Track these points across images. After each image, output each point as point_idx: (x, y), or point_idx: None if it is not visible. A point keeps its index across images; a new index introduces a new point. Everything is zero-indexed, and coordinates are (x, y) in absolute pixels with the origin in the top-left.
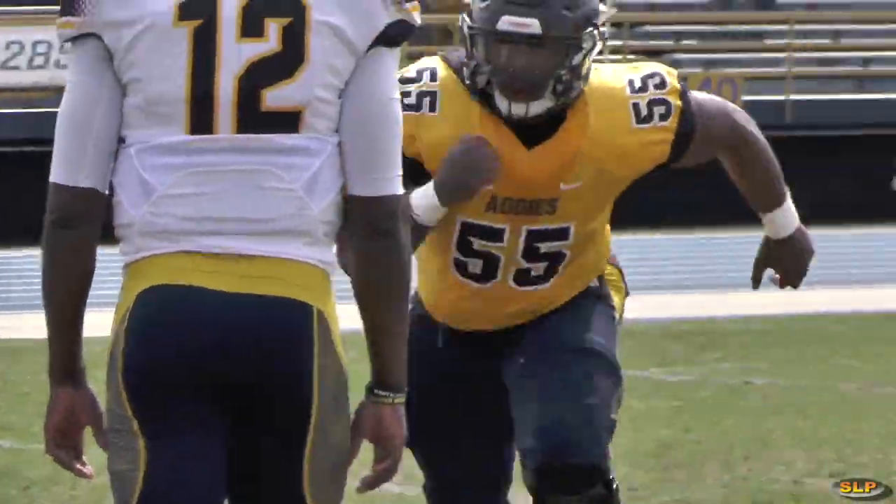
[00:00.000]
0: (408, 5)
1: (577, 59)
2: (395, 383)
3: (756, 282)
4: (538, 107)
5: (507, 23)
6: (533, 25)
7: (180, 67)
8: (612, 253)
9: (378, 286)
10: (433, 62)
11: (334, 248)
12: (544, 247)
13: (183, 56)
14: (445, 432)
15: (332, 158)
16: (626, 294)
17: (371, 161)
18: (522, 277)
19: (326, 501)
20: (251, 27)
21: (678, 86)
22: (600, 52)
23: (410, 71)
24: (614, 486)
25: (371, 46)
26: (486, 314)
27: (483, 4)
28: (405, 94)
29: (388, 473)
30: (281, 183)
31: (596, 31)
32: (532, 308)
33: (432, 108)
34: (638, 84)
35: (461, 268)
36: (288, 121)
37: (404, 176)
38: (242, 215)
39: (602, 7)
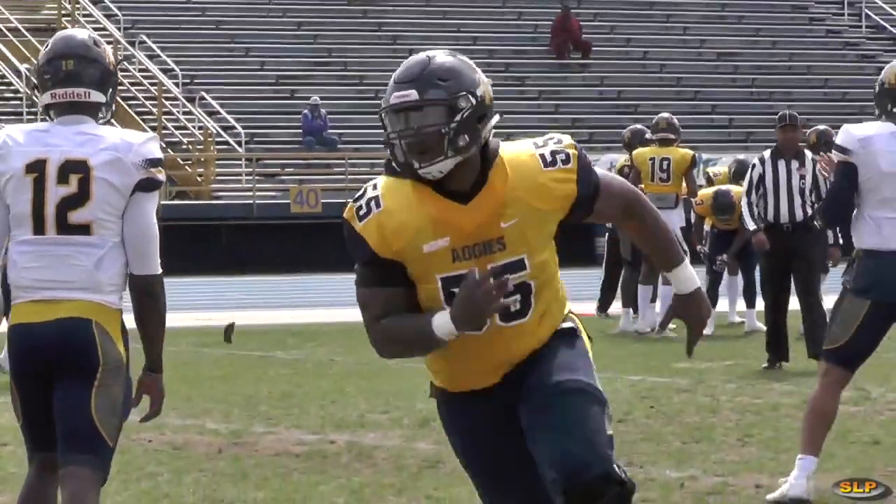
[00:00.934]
0: (152, 169)
1: (458, 118)
2: None
3: (662, 327)
4: (444, 165)
5: (394, 97)
6: (411, 95)
7: (28, 199)
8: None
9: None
10: (376, 179)
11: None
12: (511, 279)
13: (29, 192)
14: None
15: (114, 249)
16: (591, 340)
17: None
18: (504, 314)
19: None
20: (62, 178)
21: (573, 142)
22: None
23: (361, 190)
24: (627, 482)
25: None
26: (481, 365)
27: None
28: (359, 209)
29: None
30: (80, 262)
31: (472, 97)
32: (520, 349)
33: (377, 206)
34: (540, 143)
35: None
36: (83, 229)
37: (375, 275)
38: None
39: (483, 79)
